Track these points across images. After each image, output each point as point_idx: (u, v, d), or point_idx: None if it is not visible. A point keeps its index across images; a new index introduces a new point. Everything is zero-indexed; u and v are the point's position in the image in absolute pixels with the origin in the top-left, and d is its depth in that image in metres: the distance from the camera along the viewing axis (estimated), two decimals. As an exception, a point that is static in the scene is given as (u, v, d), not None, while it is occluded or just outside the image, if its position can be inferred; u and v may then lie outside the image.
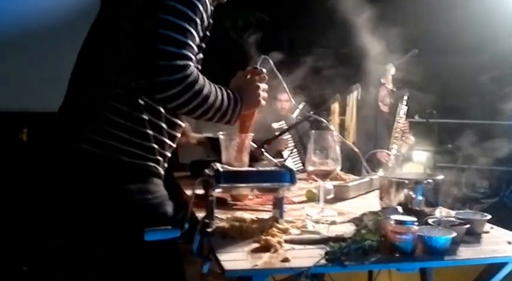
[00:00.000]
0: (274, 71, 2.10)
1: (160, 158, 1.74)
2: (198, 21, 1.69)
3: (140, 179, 1.69)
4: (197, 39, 1.70)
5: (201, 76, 1.69)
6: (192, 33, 1.67)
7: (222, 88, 1.79)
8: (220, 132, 1.97)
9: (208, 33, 1.79)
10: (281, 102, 5.29)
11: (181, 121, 1.83)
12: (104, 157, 1.64)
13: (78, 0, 5.89)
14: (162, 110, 1.72)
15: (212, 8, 1.76)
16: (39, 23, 5.68)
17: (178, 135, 1.84)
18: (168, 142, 1.77)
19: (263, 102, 1.92)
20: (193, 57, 1.67)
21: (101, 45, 1.78)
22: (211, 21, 1.78)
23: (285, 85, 2.26)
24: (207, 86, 1.71)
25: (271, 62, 2.04)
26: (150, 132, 1.70)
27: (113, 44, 1.73)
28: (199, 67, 1.73)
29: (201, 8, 1.68)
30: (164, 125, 1.74)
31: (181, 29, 1.65)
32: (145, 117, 1.69)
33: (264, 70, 1.94)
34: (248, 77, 1.91)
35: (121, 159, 1.65)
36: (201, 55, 1.78)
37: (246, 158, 2.05)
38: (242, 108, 1.83)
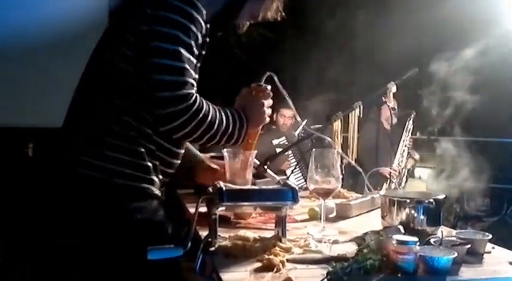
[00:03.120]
0: (279, 88, 2.12)
1: (154, 178, 1.74)
2: (193, 43, 1.68)
3: (136, 200, 1.70)
4: (194, 61, 1.70)
5: (204, 102, 1.69)
6: (188, 57, 1.66)
7: (227, 110, 1.80)
8: (225, 150, 1.98)
9: (203, 52, 1.78)
10: (284, 118, 5.30)
11: (178, 148, 1.83)
12: (98, 179, 1.65)
13: (85, 15, 5.94)
14: (150, 132, 1.72)
15: (208, 26, 1.74)
16: (43, 37, 5.70)
17: (175, 161, 1.84)
18: (160, 166, 1.77)
19: (267, 119, 1.95)
20: (193, 82, 1.67)
21: (94, 67, 1.79)
22: (207, 39, 1.77)
23: (290, 102, 2.27)
24: (211, 112, 1.71)
25: (275, 78, 2.06)
26: (143, 150, 1.70)
27: (103, 65, 1.73)
28: (195, 87, 1.72)
29: (194, 29, 1.67)
30: (153, 147, 1.73)
31: (176, 55, 1.64)
32: (136, 135, 1.69)
33: (269, 87, 1.96)
34: (253, 94, 1.92)
35: (115, 181, 1.66)
36: (196, 75, 1.76)
37: (249, 176, 2.07)
38: (249, 127, 1.85)
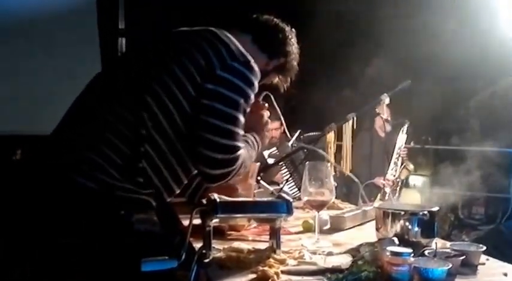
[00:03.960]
0: (274, 105, 2.19)
1: (152, 191, 1.76)
2: (248, 108, 1.83)
3: (131, 211, 1.70)
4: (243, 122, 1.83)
5: (244, 154, 1.85)
6: (242, 122, 1.81)
7: (249, 142, 1.96)
8: None
9: None
10: (271, 130, 5.36)
11: (184, 178, 1.89)
12: (98, 191, 1.65)
13: (75, 24, 5.94)
14: (160, 163, 1.76)
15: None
16: (30, 48, 5.70)
17: (175, 189, 1.87)
18: (159, 185, 1.79)
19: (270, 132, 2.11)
20: (241, 144, 1.83)
21: (124, 88, 1.82)
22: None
23: (282, 119, 2.44)
24: (247, 158, 1.89)
25: (271, 96, 2.19)
26: (146, 168, 1.73)
27: (142, 91, 1.77)
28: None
29: (252, 97, 1.83)
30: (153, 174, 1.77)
31: (234, 120, 1.78)
32: (144, 163, 1.72)
33: (266, 104, 2.11)
34: (254, 112, 2.01)
35: (113, 193, 1.67)
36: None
37: (251, 185, 2.12)
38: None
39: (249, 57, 1.85)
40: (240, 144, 1.82)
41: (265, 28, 2.05)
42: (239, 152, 1.81)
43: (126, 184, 1.68)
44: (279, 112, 2.26)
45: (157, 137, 1.73)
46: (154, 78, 1.78)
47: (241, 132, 1.83)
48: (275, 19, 2.09)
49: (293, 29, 2.12)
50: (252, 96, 1.83)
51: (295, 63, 2.11)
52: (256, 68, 1.85)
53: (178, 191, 1.88)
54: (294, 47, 2.10)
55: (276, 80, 2.13)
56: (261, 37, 2.01)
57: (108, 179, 1.66)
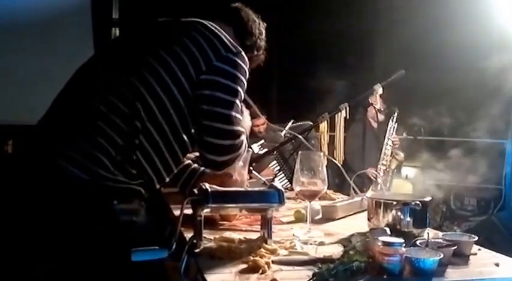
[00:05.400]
0: (246, 99, 2.23)
1: (142, 181, 1.76)
2: (243, 94, 1.90)
3: (121, 200, 1.70)
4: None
5: (244, 139, 1.94)
6: (240, 108, 1.90)
7: None
8: None
9: None
10: (258, 126, 5.39)
11: (174, 167, 1.89)
12: (88, 181, 1.65)
13: (69, 14, 5.90)
14: (153, 154, 1.77)
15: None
16: (22, 38, 5.66)
17: (166, 177, 1.88)
18: (152, 175, 1.81)
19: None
20: (243, 129, 1.92)
21: (115, 78, 1.81)
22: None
23: (256, 110, 2.50)
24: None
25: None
26: (140, 159, 1.74)
27: (132, 80, 1.77)
28: None
29: (245, 82, 1.90)
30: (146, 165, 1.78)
31: (235, 106, 1.85)
32: (138, 155, 1.74)
33: None
34: None
35: (106, 184, 1.66)
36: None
37: (244, 174, 2.20)
38: None
39: (239, 48, 1.91)
40: (242, 129, 1.90)
41: (246, 23, 2.10)
42: (242, 137, 1.90)
43: (119, 176, 1.68)
44: (252, 103, 2.31)
45: (152, 128, 1.75)
46: (146, 68, 1.78)
47: (242, 118, 1.91)
48: (253, 14, 2.15)
49: (265, 23, 2.18)
50: (245, 83, 1.90)
51: (262, 57, 2.20)
52: (246, 57, 1.92)
53: (167, 179, 1.88)
54: (264, 42, 2.18)
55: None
56: (241, 31, 2.08)
57: (101, 171, 1.65)
